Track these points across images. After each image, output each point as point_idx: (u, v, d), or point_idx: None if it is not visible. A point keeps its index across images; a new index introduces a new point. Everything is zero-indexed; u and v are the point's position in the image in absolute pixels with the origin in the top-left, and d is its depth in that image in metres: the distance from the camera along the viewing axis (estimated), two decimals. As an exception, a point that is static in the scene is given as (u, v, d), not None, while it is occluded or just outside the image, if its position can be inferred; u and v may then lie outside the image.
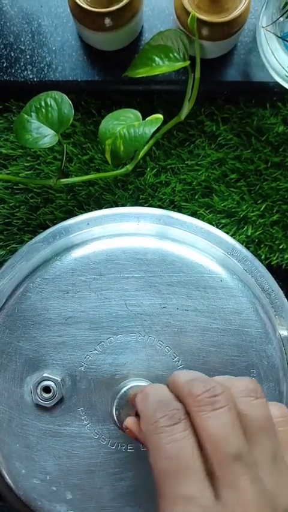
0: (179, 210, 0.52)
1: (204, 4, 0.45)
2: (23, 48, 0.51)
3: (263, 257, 0.52)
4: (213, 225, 0.51)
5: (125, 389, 0.37)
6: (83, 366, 0.39)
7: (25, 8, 0.51)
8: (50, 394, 0.39)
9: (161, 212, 0.45)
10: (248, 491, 0.27)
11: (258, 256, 0.51)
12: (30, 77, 0.51)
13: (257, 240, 0.52)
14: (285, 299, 0.44)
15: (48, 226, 0.50)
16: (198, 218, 0.46)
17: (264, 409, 0.30)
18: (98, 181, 0.52)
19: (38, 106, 0.46)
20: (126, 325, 0.39)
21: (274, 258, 0.52)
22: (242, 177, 0.52)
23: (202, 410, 0.29)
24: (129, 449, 0.39)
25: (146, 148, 0.48)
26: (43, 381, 0.39)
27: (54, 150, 0.52)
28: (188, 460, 0.28)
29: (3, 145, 0.52)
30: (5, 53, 0.51)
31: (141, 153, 0.48)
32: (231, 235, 0.50)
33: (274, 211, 0.52)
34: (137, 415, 0.35)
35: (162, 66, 0.46)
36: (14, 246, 0.52)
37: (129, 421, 0.34)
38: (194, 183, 0.52)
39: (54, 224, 0.48)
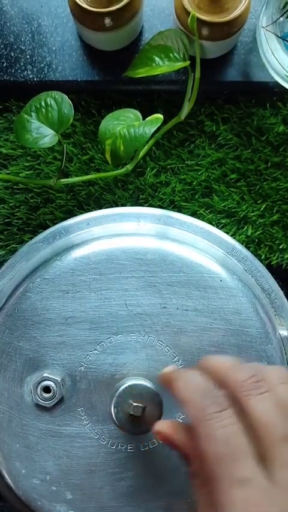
0: (179, 210, 0.52)
1: (204, 4, 0.45)
2: (23, 48, 0.51)
3: (263, 257, 0.52)
4: (213, 225, 0.51)
5: (123, 387, 0.37)
6: (83, 366, 0.39)
7: (25, 8, 0.51)
8: (50, 394, 0.39)
9: (161, 212, 0.45)
10: None
11: (258, 256, 0.51)
12: (30, 76, 0.51)
13: (257, 240, 0.52)
14: (285, 299, 0.44)
15: (48, 226, 0.50)
16: (198, 218, 0.46)
17: None
18: (98, 181, 0.52)
19: (38, 106, 0.46)
20: (126, 325, 0.39)
21: (274, 258, 0.52)
22: (242, 177, 0.52)
23: (248, 395, 0.30)
24: (129, 449, 0.39)
25: (146, 148, 0.48)
26: (43, 381, 0.39)
27: (54, 150, 0.52)
28: (239, 444, 0.29)
29: (3, 145, 0.52)
30: (5, 53, 0.51)
31: (141, 153, 0.48)
32: (231, 235, 0.50)
33: (274, 211, 0.52)
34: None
35: (162, 66, 0.46)
36: (14, 246, 0.52)
37: (163, 425, 0.35)
38: (194, 183, 0.52)
39: (54, 224, 0.48)
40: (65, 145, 0.48)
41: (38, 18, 0.51)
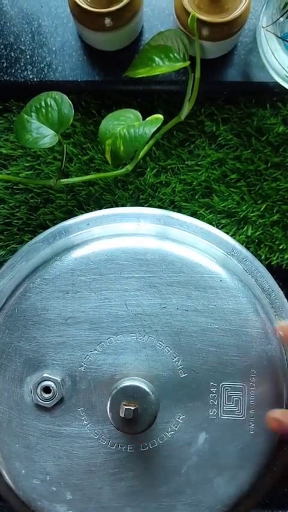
0: (179, 210, 0.52)
1: (205, 4, 0.45)
2: (23, 48, 0.51)
3: (263, 257, 0.52)
4: (213, 225, 0.51)
5: (116, 390, 0.37)
6: (83, 366, 0.39)
7: (25, 8, 0.51)
8: (50, 394, 0.39)
9: (161, 212, 0.45)
10: None
11: (258, 256, 0.51)
12: (31, 77, 0.51)
13: (257, 240, 0.52)
14: (285, 299, 0.44)
15: (48, 227, 0.50)
16: (198, 218, 0.46)
17: None
18: (98, 181, 0.52)
19: (38, 106, 0.46)
20: (126, 325, 0.39)
21: (274, 258, 0.52)
22: (242, 177, 0.52)
23: None
24: (129, 449, 0.39)
25: (146, 148, 0.48)
26: (43, 381, 0.39)
27: (54, 150, 0.52)
28: None
29: (4, 146, 0.52)
30: (5, 53, 0.51)
31: (141, 153, 0.48)
32: (231, 236, 0.50)
33: (274, 211, 0.52)
34: None
35: (162, 67, 0.46)
36: (14, 246, 0.52)
37: (279, 413, 0.36)
38: (194, 183, 0.52)
39: (54, 224, 0.48)
40: (65, 146, 0.48)
41: (38, 18, 0.51)
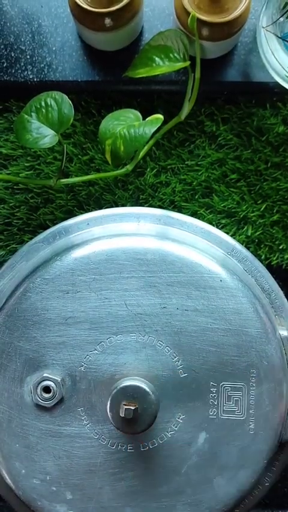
0: (179, 210, 0.52)
1: (205, 4, 0.45)
2: (23, 48, 0.51)
3: (263, 257, 0.52)
4: (213, 225, 0.51)
5: (116, 390, 0.37)
6: (83, 366, 0.39)
7: (25, 8, 0.51)
8: (50, 394, 0.39)
9: (161, 212, 0.45)
10: None
11: (258, 256, 0.51)
12: (31, 77, 0.51)
13: (257, 240, 0.52)
14: (285, 299, 0.44)
15: (48, 227, 0.50)
16: (199, 218, 0.46)
17: None
18: (98, 181, 0.52)
19: (38, 106, 0.46)
20: (126, 325, 0.39)
21: (274, 258, 0.52)
22: (242, 177, 0.52)
23: None
24: (129, 449, 0.39)
25: (146, 148, 0.48)
26: (43, 381, 0.39)
27: (54, 150, 0.52)
28: None
29: (4, 146, 0.52)
30: (5, 53, 0.51)
31: (141, 153, 0.48)
32: (231, 236, 0.50)
33: (274, 211, 0.52)
34: None
35: (162, 67, 0.46)
36: (14, 246, 0.52)
37: None
38: (194, 183, 0.52)
39: (54, 224, 0.48)
40: (65, 146, 0.48)
41: (38, 18, 0.51)
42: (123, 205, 0.52)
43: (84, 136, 0.52)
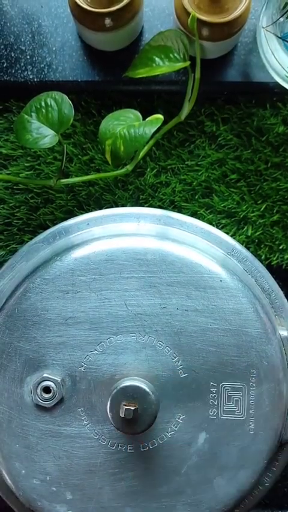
0: (179, 210, 0.52)
1: (205, 4, 0.45)
2: (23, 48, 0.51)
3: (263, 257, 0.52)
4: (213, 226, 0.51)
5: (116, 390, 0.37)
6: (83, 366, 0.39)
7: (25, 8, 0.51)
8: (50, 394, 0.39)
9: (161, 212, 0.45)
10: None
11: (258, 256, 0.51)
12: (31, 77, 0.51)
13: (257, 241, 0.52)
14: (285, 299, 0.44)
15: (48, 227, 0.50)
16: (199, 218, 0.46)
17: None
18: (98, 181, 0.52)
19: (38, 106, 0.46)
20: (126, 325, 0.39)
21: (274, 258, 0.52)
22: (242, 178, 0.52)
23: None
24: (129, 449, 0.39)
25: (146, 148, 0.48)
26: (43, 381, 0.39)
27: (54, 150, 0.52)
28: None
29: (4, 146, 0.52)
30: (5, 53, 0.51)
31: (142, 154, 0.48)
32: (231, 236, 0.50)
33: (274, 211, 0.52)
34: None
35: (162, 67, 0.46)
36: (14, 246, 0.52)
37: None
38: (194, 184, 0.52)
39: (54, 224, 0.48)
40: (65, 146, 0.48)
41: (38, 18, 0.51)
42: (123, 206, 0.52)
43: (84, 136, 0.52)
